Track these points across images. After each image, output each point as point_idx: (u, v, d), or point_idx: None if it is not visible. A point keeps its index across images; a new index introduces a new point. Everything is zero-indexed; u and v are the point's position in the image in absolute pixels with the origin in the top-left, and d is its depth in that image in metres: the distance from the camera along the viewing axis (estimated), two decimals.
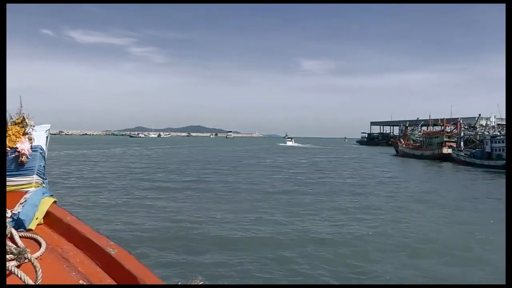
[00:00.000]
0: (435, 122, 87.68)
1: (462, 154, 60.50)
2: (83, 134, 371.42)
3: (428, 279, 11.07)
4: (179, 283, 2.01)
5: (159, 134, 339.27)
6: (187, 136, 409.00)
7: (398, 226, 17.26)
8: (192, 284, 1.97)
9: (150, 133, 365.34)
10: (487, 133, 63.58)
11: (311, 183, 31.79)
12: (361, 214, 19.47)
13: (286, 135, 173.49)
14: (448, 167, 54.19)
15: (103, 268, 2.33)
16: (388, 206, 22.13)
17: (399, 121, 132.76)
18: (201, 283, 2.06)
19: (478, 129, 74.35)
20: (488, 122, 76.33)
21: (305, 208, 20.57)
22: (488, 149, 55.01)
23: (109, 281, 2.23)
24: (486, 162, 53.16)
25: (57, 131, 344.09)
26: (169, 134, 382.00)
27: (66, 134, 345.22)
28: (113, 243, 2.49)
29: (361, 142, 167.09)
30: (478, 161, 54.86)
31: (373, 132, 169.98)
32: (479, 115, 73.11)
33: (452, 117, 79.34)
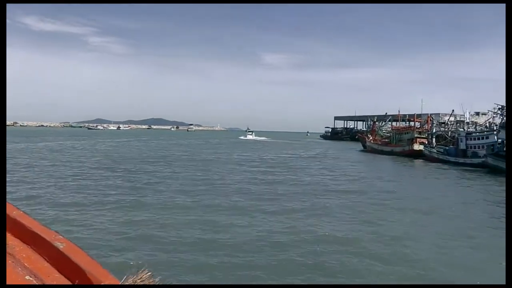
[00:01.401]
0: (403, 118, 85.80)
1: (435, 151, 58.05)
2: (39, 126, 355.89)
3: None
4: (128, 281, 2.03)
5: (119, 127, 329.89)
6: (148, 128, 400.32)
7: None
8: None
9: (110, 125, 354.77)
10: (462, 129, 61.36)
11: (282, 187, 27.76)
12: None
13: (248, 129, 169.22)
14: (423, 165, 51.38)
15: (51, 262, 2.27)
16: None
17: (365, 116, 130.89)
18: (149, 273, 2.13)
19: (450, 125, 72.34)
20: (461, 118, 74.48)
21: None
22: (462, 146, 52.62)
23: (57, 276, 2.16)
24: (461, 160, 50.73)
25: (11, 122, 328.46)
26: (129, 127, 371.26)
27: (21, 125, 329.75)
28: (61, 237, 2.43)
29: (324, 136, 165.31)
30: (452, 159, 52.40)
31: (337, 126, 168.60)
32: (453, 110, 71.08)
33: (423, 113, 77.20)
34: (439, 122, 77.42)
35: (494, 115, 51.14)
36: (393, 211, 19.71)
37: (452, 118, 76.01)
